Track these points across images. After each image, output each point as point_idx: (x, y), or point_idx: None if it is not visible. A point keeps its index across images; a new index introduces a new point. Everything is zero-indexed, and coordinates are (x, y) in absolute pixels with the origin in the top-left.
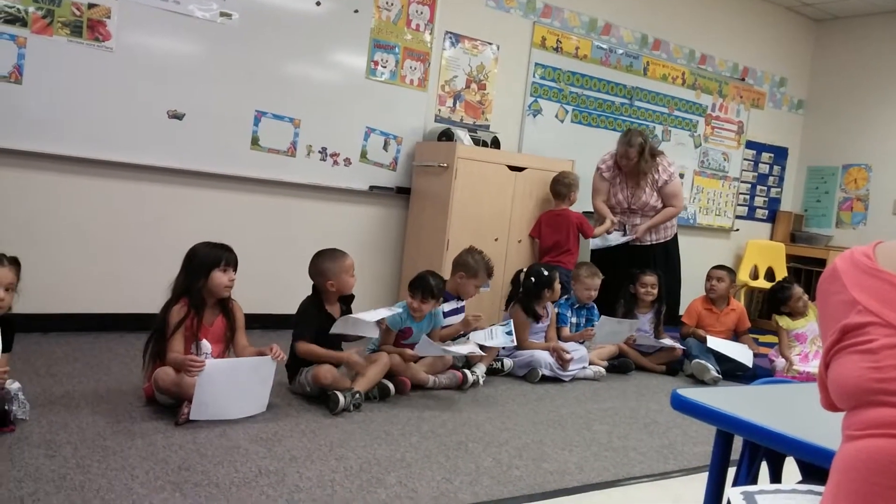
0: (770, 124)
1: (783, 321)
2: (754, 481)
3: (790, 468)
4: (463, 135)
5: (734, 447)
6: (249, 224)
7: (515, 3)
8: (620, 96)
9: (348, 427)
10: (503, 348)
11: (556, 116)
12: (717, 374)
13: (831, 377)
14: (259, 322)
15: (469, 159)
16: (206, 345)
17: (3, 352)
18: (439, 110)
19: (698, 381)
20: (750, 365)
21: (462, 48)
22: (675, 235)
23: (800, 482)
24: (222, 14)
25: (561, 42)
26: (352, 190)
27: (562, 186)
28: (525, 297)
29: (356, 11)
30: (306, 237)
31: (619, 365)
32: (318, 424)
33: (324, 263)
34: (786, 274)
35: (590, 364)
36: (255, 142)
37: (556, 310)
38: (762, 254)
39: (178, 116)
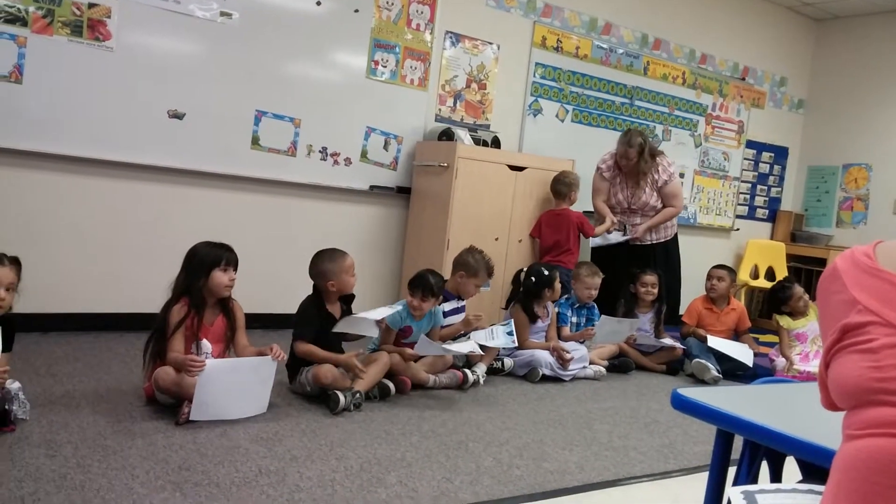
0: (770, 124)
1: (784, 321)
2: (755, 481)
3: (790, 468)
4: (463, 134)
5: (734, 447)
6: (250, 224)
7: (516, 3)
8: (621, 96)
9: (349, 427)
10: (503, 348)
11: (557, 116)
12: (717, 374)
13: (831, 376)
14: (259, 322)
15: (469, 159)
16: (206, 344)
17: (3, 351)
18: (440, 110)
19: (699, 380)
20: (750, 364)
21: (462, 48)
22: (676, 235)
23: (800, 482)
24: (222, 14)
25: (561, 42)
26: (352, 190)
27: (562, 186)
28: (525, 296)
29: (356, 11)
30: (307, 237)
31: (619, 364)
32: (319, 424)
33: (324, 264)
34: (786, 273)
35: (590, 363)
36: (255, 141)
37: (556, 309)
38: (762, 253)
39: (178, 116)
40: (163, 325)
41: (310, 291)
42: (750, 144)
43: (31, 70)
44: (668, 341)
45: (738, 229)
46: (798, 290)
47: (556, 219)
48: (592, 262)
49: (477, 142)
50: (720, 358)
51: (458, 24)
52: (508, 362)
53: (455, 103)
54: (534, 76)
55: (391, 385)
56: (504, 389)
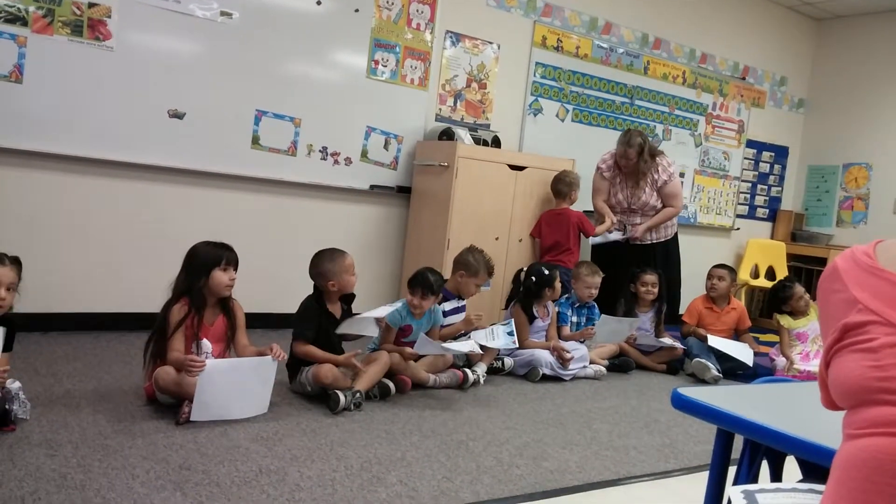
0: (771, 123)
1: (784, 320)
2: (755, 480)
3: (791, 467)
4: (463, 134)
5: (735, 446)
6: (250, 223)
7: (516, 3)
8: (621, 95)
9: (349, 426)
10: (503, 348)
11: (557, 115)
12: (717, 373)
13: (832, 376)
14: (260, 321)
15: (470, 158)
16: (206, 344)
17: (3, 351)
18: (440, 109)
19: (699, 380)
20: (750, 364)
21: (463, 47)
22: (676, 234)
23: (800, 481)
24: (223, 13)
25: (561, 41)
26: (352, 189)
27: (562, 185)
28: (525, 296)
29: (357, 11)
30: (307, 236)
31: (619, 364)
32: (319, 423)
33: (324, 264)
34: (786, 273)
35: (590, 363)
36: (255, 141)
37: (556, 309)
38: (763, 253)
39: (178, 116)
40: (163, 324)
41: (310, 291)
42: (750, 144)
43: (32, 70)
44: (668, 341)
45: (738, 229)
46: (799, 289)
47: (557, 218)
48: (592, 261)
49: (477, 141)
50: (720, 357)
51: (458, 24)
52: (509, 362)
53: (455, 103)
54: (534, 76)
55: (391, 384)
56: (504, 389)
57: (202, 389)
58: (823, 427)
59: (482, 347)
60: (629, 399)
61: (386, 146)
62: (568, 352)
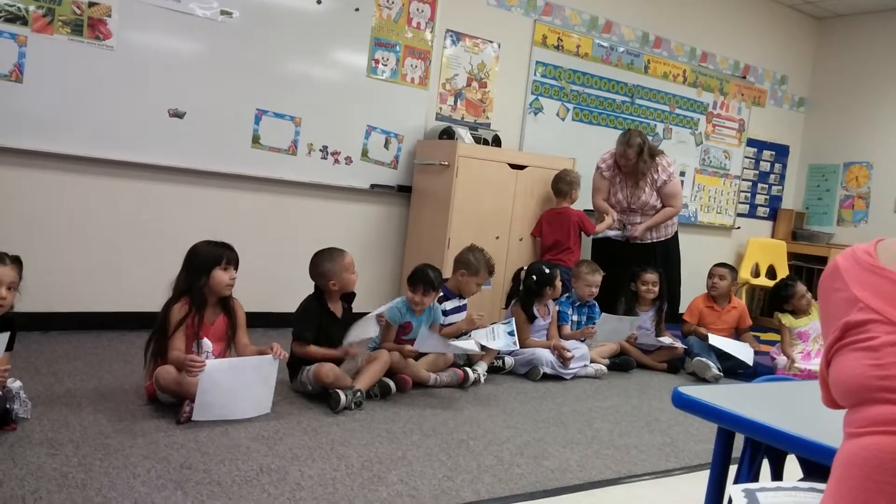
0: (771, 122)
1: (786, 319)
2: (756, 479)
3: (791, 466)
4: (464, 133)
5: (735, 445)
6: (250, 222)
7: (516, 2)
8: (621, 94)
9: (350, 425)
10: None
11: (558, 114)
12: (718, 372)
13: (833, 374)
14: (260, 321)
15: (470, 157)
16: (207, 343)
17: (4, 350)
18: (440, 108)
19: (700, 378)
20: (750, 363)
21: (463, 46)
22: (676, 233)
23: (801, 480)
24: (223, 12)
25: (562, 40)
26: (353, 188)
27: (563, 184)
28: (526, 295)
29: (357, 10)
30: (307, 236)
31: (620, 363)
32: (320, 423)
33: (324, 264)
34: (787, 272)
35: (591, 362)
36: (255, 140)
37: (557, 308)
38: (763, 252)
39: (178, 115)
40: (164, 323)
41: (310, 290)
42: (751, 143)
43: (32, 69)
44: (668, 340)
45: (738, 228)
46: (801, 288)
47: (557, 217)
48: (593, 260)
49: (478, 140)
50: (721, 356)
51: (458, 23)
52: (509, 361)
53: (456, 102)
54: (534, 75)
55: (392, 383)
56: (505, 388)
57: (204, 389)
58: (824, 426)
59: (482, 347)
60: (630, 398)
61: (386, 145)
62: (569, 351)
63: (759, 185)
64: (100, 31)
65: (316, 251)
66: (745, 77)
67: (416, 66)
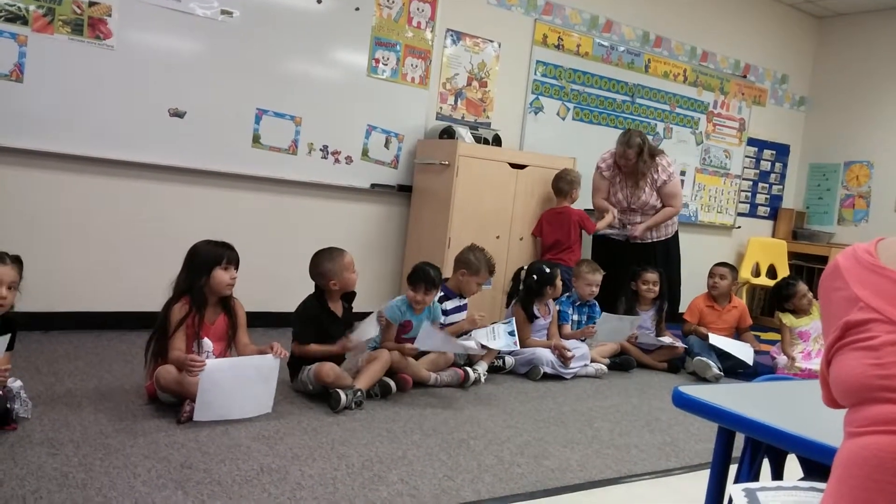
0: (772, 121)
1: (787, 318)
2: (756, 478)
3: (792, 465)
4: (464, 132)
5: (736, 444)
6: (251, 222)
7: (517, 1)
8: (622, 94)
9: (350, 425)
10: (504, 349)
11: (558, 114)
12: (718, 372)
13: (833, 374)
14: (261, 320)
15: (470, 157)
16: (207, 343)
17: (5, 350)
18: (440, 108)
19: (700, 378)
20: (751, 362)
21: (463, 46)
22: (676, 233)
23: (801, 479)
24: (223, 12)
25: (562, 39)
26: (353, 188)
27: (563, 184)
28: (527, 294)
29: (357, 9)
30: (308, 235)
31: (620, 362)
32: (320, 422)
33: (324, 264)
34: (787, 271)
35: (591, 361)
36: (256, 140)
37: (557, 307)
38: (764, 251)
39: (179, 114)
40: (164, 323)
41: (311, 290)
42: (751, 142)
43: (32, 69)
44: (669, 339)
45: (739, 227)
46: (802, 287)
47: (558, 217)
48: (593, 259)
49: (478, 140)
50: (721, 356)
51: (458, 22)
52: (510, 360)
53: (456, 101)
54: (535, 74)
55: (392, 383)
56: (505, 387)
57: (204, 389)
58: (824, 425)
59: (483, 346)
60: (630, 397)
61: (387, 145)
62: (569, 350)
63: (760, 185)
64: (100, 30)
65: (316, 251)
66: (745, 76)
67: (416, 66)
